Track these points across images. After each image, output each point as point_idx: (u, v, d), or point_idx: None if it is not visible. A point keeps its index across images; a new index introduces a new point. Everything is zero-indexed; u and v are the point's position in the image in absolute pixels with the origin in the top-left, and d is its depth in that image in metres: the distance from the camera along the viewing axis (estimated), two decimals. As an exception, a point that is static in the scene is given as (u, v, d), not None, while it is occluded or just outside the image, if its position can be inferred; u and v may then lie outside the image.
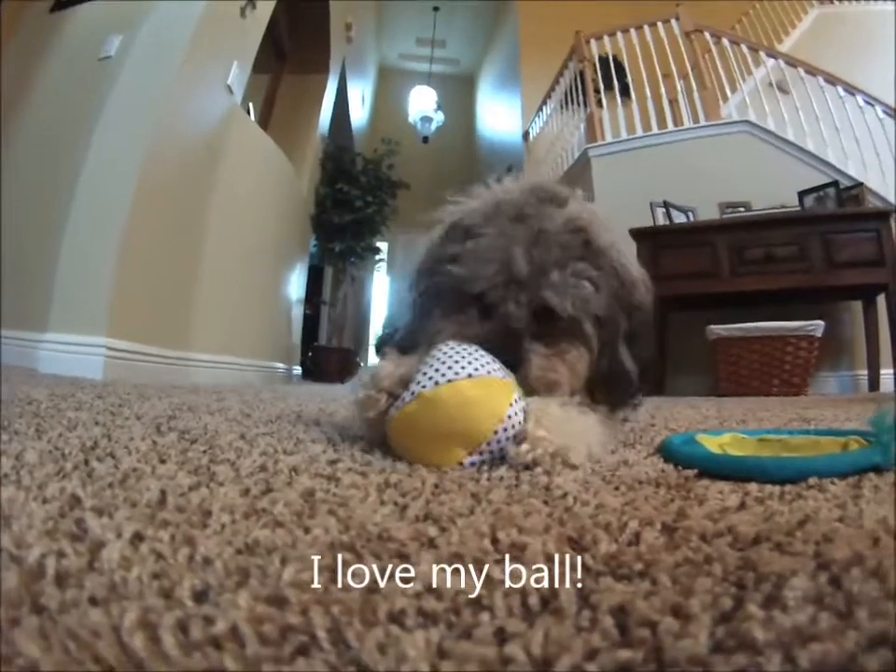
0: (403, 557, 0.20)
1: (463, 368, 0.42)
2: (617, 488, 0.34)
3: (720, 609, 0.17)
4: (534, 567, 0.19)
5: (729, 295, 2.45)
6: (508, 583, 0.17)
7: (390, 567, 0.18)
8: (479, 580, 0.17)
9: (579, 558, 0.20)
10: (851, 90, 2.85)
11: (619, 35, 3.41)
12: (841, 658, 0.14)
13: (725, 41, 3.26)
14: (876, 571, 0.19)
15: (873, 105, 2.81)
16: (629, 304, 0.53)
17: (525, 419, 0.43)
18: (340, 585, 0.17)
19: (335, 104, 4.09)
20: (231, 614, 0.14)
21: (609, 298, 0.51)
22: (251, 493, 0.29)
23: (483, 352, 0.45)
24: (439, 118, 6.04)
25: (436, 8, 5.71)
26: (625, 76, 3.43)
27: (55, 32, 2.23)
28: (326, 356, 4.09)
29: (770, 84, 3.10)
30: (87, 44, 2.10)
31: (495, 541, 0.22)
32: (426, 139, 6.02)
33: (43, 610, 0.15)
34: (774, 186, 2.74)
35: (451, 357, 0.43)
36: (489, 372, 0.42)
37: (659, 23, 3.30)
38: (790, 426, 0.77)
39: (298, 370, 3.62)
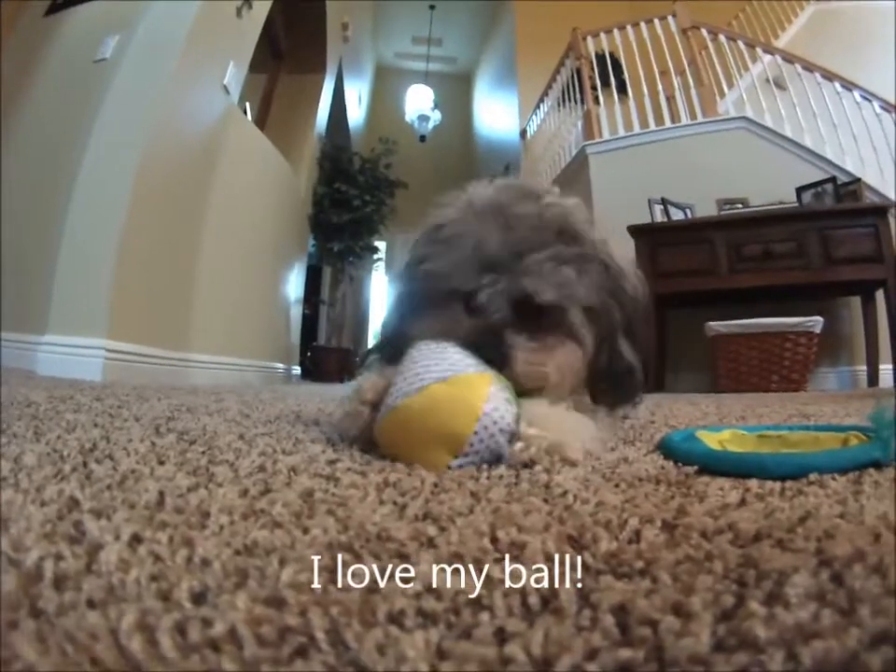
0: (402, 557, 0.20)
1: (433, 370, 0.41)
2: (617, 486, 0.34)
3: (721, 606, 0.17)
4: (534, 566, 0.19)
5: (727, 292, 2.45)
6: (508, 583, 0.17)
7: (389, 567, 0.18)
8: (478, 579, 0.17)
9: (579, 557, 0.20)
10: (848, 85, 2.85)
11: (616, 32, 3.41)
12: (844, 656, 0.14)
13: (722, 38, 3.26)
14: (878, 568, 0.19)
15: (870, 101, 2.81)
16: (620, 294, 0.52)
17: (512, 410, 0.41)
18: (339, 586, 0.17)
19: (332, 103, 4.08)
20: (230, 616, 0.14)
21: (597, 286, 0.49)
22: (250, 493, 0.29)
23: (456, 348, 0.43)
24: (436, 116, 6.03)
25: (432, 7, 5.70)
26: (622, 73, 3.42)
27: (50, 35, 2.22)
28: (325, 355, 4.08)
29: (767, 80, 3.10)
30: (82, 46, 2.10)
31: (494, 540, 0.22)
32: (423, 138, 6.01)
33: (41, 614, 0.15)
34: (771, 182, 2.74)
35: (421, 361, 0.42)
36: (462, 369, 0.41)
37: (656, 20, 3.30)
38: (789, 422, 0.77)
39: (297, 370, 3.62)
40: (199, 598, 0.16)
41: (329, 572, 0.18)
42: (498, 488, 0.32)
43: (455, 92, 6.91)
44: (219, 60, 2.23)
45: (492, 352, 0.44)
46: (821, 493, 0.32)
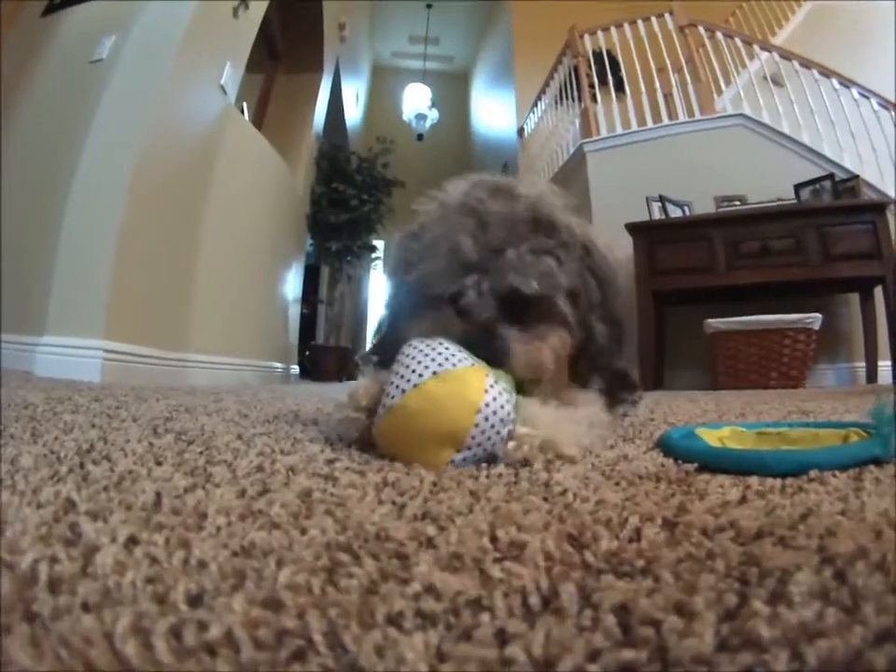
0: (401, 557, 0.20)
1: (427, 367, 0.40)
2: (617, 483, 0.34)
3: (724, 605, 0.16)
4: (534, 565, 0.19)
5: (726, 289, 2.45)
6: (508, 583, 0.17)
7: (388, 567, 0.18)
8: (478, 579, 0.17)
9: (579, 556, 0.20)
10: (846, 82, 2.85)
11: (613, 29, 3.41)
12: (848, 655, 0.14)
13: (719, 35, 3.25)
14: (881, 565, 0.18)
15: (868, 98, 2.80)
16: (600, 274, 0.52)
17: (511, 400, 0.41)
18: (337, 587, 0.17)
19: (329, 103, 4.07)
20: (226, 619, 0.14)
21: (578, 268, 0.49)
22: (247, 494, 0.29)
23: (447, 343, 0.43)
24: (433, 115, 6.03)
25: (429, 6, 5.69)
26: (620, 70, 3.42)
27: (47, 36, 2.21)
28: (323, 355, 4.08)
29: (765, 77, 3.10)
30: (79, 47, 2.09)
31: (494, 540, 0.21)
32: (420, 137, 6.01)
33: (35, 617, 0.15)
34: (769, 179, 2.73)
35: (414, 358, 0.42)
36: (455, 364, 0.41)
37: (653, 18, 3.30)
38: (788, 418, 0.77)
39: (295, 369, 3.62)
40: (195, 601, 0.15)
41: (327, 573, 0.18)
42: (498, 487, 0.32)
43: (453, 91, 6.91)
44: (216, 60, 2.22)
45: (487, 349, 0.44)
46: (822, 490, 0.32)
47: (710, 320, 2.37)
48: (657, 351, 2.56)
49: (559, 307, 0.47)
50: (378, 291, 5.96)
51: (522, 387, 0.46)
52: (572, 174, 3.37)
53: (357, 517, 0.25)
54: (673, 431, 0.54)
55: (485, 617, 0.15)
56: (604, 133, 3.23)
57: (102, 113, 1.81)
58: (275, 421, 0.68)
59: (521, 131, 4.69)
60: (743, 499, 0.30)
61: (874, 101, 2.79)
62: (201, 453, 0.41)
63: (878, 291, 2.34)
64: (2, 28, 2.23)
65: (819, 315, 2.23)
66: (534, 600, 0.16)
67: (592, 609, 0.16)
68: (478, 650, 0.13)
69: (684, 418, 0.81)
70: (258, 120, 3.23)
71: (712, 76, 3.21)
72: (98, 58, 1.99)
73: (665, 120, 3.17)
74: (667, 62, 3.27)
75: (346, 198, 3.83)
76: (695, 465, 0.40)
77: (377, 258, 4.68)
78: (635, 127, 3.19)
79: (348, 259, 4.14)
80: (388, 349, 0.51)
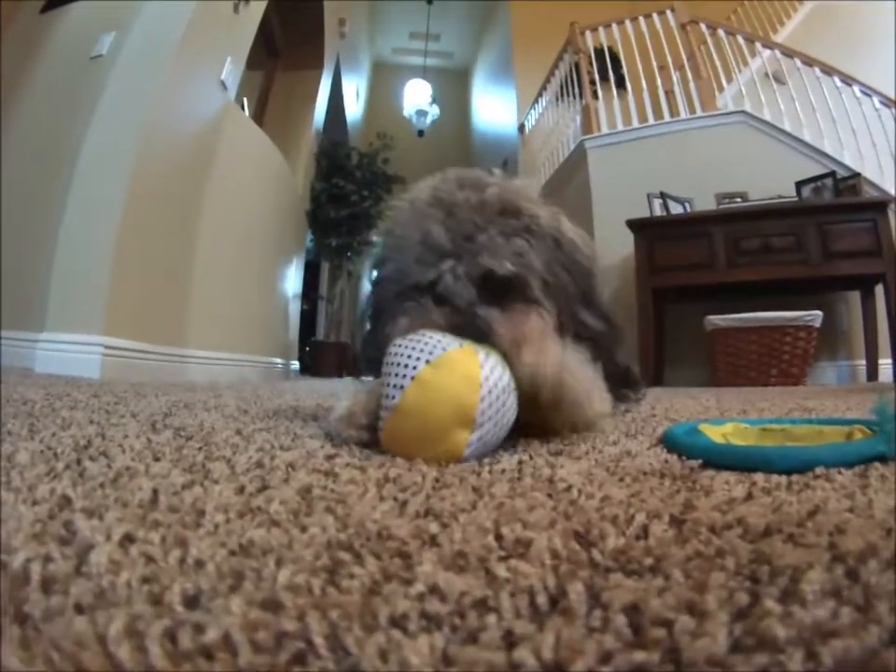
0: (404, 556, 0.19)
1: (418, 359, 0.40)
2: (621, 480, 0.34)
3: (736, 605, 0.16)
4: (540, 564, 0.19)
5: (726, 286, 2.45)
6: (514, 582, 0.17)
7: (391, 567, 0.18)
8: (483, 579, 0.17)
9: (586, 554, 0.20)
10: (847, 80, 2.84)
11: (614, 26, 3.39)
12: (863, 654, 0.14)
13: (721, 32, 3.24)
14: (892, 563, 0.18)
15: (869, 96, 2.79)
16: (572, 266, 0.52)
17: (507, 372, 0.42)
18: (338, 588, 0.16)
19: (329, 99, 4.07)
20: (224, 621, 0.13)
21: (546, 260, 0.49)
22: (246, 490, 0.28)
23: (430, 333, 0.43)
24: (434, 111, 6.01)
25: (429, 2, 5.67)
26: (621, 67, 3.41)
27: (46, 32, 2.20)
28: (323, 351, 4.08)
29: (766, 75, 3.09)
30: (78, 43, 2.08)
31: (499, 537, 0.21)
32: (421, 133, 5.99)
33: (27, 619, 0.14)
34: (770, 176, 2.73)
35: (403, 354, 0.41)
36: (445, 349, 0.41)
37: (654, 15, 3.28)
38: (790, 415, 0.77)
39: (296, 365, 3.62)
40: (192, 602, 0.15)
41: (328, 573, 0.17)
42: (501, 483, 0.32)
43: (453, 87, 6.89)
44: (216, 56, 2.21)
45: (469, 332, 0.45)
46: (828, 487, 0.32)
47: (711, 317, 2.37)
48: (657, 348, 2.56)
49: (532, 288, 0.48)
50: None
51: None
52: (573, 170, 3.36)
53: (357, 514, 0.24)
54: (676, 427, 0.53)
55: (492, 618, 0.14)
56: (605, 129, 3.22)
57: (101, 109, 1.80)
58: (275, 417, 0.68)
59: (521, 127, 4.68)
60: (749, 496, 0.30)
61: (875, 99, 2.78)
62: (199, 449, 0.41)
63: (879, 289, 2.33)
64: (1, 25, 2.22)
65: (819, 313, 2.23)
66: (541, 600, 0.15)
67: (601, 610, 0.15)
68: (485, 653, 0.13)
69: (685, 415, 0.81)
70: (258, 117, 3.22)
71: (714, 73, 3.20)
72: (98, 54, 1.99)
73: (667, 117, 3.16)
74: (669, 59, 3.26)
75: (346, 194, 3.83)
76: (699, 461, 0.40)
77: (377, 254, 4.66)
78: (636, 124, 3.17)
79: (348, 255, 4.14)
80: (375, 349, 0.52)
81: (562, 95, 3.74)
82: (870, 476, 0.35)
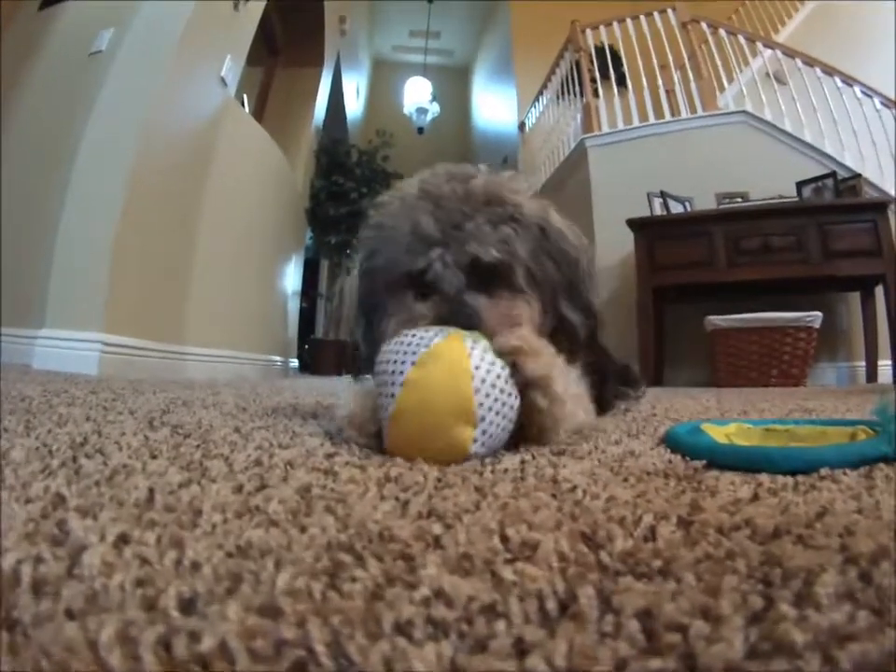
0: (407, 559, 0.19)
1: (403, 362, 0.40)
2: (626, 480, 0.33)
3: (750, 609, 0.16)
4: (548, 566, 0.18)
5: (726, 286, 2.45)
6: (522, 586, 0.16)
7: (394, 570, 0.17)
8: (490, 582, 0.16)
9: (594, 556, 0.19)
10: (849, 80, 2.83)
11: (615, 25, 3.38)
12: (881, 658, 0.13)
13: (722, 32, 3.23)
14: (904, 565, 0.18)
15: (870, 97, 2.79)
16: (559, 256, 0.53)
17: (498, 360, 0.41)
18: (339, 592, 0.16)
19: (330, 96, 4.06)
20: (220, 628, 0.13)
21: (533, 247, 0.50)
22: (245, 489, 0.28)
23: (412, 331, 0.43)
24: (434, 109, 6.00)
25: (430, 0, 5.65)
26: (622, 66, 3.40)
27: (45, 29, 2.19)
28: (323, 348, 4.06)
29: (767, 75, 3.08)
30: (77, 40, 2.07)
31: (504, 539, 0.20)
32: (421, 130, 5.98)
33: (16, 624, 0.14)
34: (771, 176, 2.72)
35: (389, 360, 0.41)
36: (428, 345, 0.40)
37: (655, 14, 3.27)
38: (791, 416, 0.77)
39: (295, 363, 3.61)
40: (187, 607, 0.14)
41: (329, 576, 0.17)
42: (504, 483, 0.31)
43: (454, 85, 6.88)
44: (216, 53, 2.20)
45: (458, 319, 0.45)
46: (834, 488, 0.32)
47: (711, 317, 2.37)
48: (657, 348, 2.55)
49: (517, 276, 0.49)
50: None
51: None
52: (573, 168, 3.35)
53: (358, 515, 0.23)
54: (678, 427, 0.53)
55: (501, 625, 0.14)
56: (605, 128, 3.21)
57: (100, 106, 1.80)
58: (274, 415, 0.67)
59: (522, 125, 4.67)
60: (755, 497, 0.30)
61: (876, 100, 2.78)
62: (197, 446, 0.40)
63: (879, 290, 2.33)
64: (1, 23, 2.20)
65: (819, 314, 2.22)
66: (551, 605, 0.15)
67: (613, 615, 0.15)
68: (495, 661, 0.12)
69: (686, 415, 0.81)
70: (258, 114, 3.21)
71: (714, 72, 3.19)
72: (97, 50, 1.98)
73: (668, 116, 3.15)
74: (670, 58, 3.25)
75: (346, 191, 3.81)
76: (703, 461, 0.39)
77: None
78: (636, 123, 3.17)
79: (348, 252, 4.12)
80: (373, 347, 0.52)
81: (562, 93, 3.73)
82: (875, 477, 0.34)
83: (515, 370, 0.42)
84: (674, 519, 0.24)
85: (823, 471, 0.35)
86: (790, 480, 0.34)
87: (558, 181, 3.60)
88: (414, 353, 0.40)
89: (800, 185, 2.58)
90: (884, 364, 2.33)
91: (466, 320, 0.45)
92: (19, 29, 2.27)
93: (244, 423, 0.57)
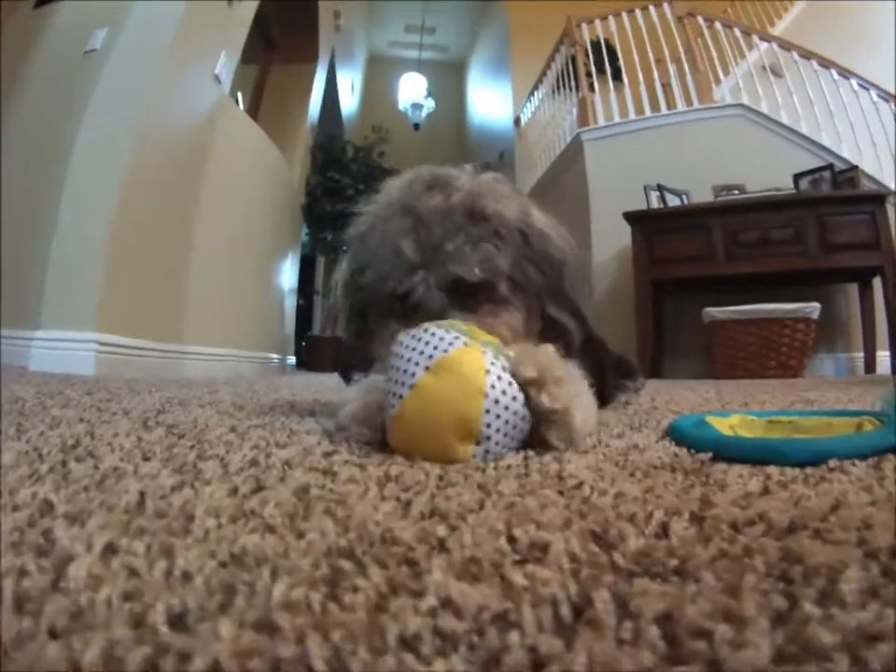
0: (411, 564, 0.18)
1: (417, 363, 0.38)
2: (632, 475, 0.32)
3: (774, 609, 0.15)
4: (559, 569, 0.17)
5: (724, 278, 2.44)
6: (534, 591, 0.15)
7: (397, 577, 0.16)
8: (500, 588, 0.15)
9: (607, 557, 0.18)
10: (845, 73, 2.82)
11: (611, 19, 3.36)
12: None
13: (718, 25, 3.21)
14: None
15: (867, 89, 2.78)
16: (542, 260, 0.52)
17: (514, 382, 0.39)
18: (340, 603, 0.15)
19: (325, 92, 4.03)
20: (212, 647, 0.12)
21: (515, 256, 0.50)
22: (240, 492, 0.27)
23: (433, 328, 0.40)
24: (429, 104, 5.98)
25: (425, -5, 5.62)
26: (618, 60, 3.38)
27: (40, 27, 2.17)
28: (320, 345, 4.05)
29: (763, 67, 3.07)
30: (72, 38, 2.05)
31: (512, 540, 0.19)
32: (417, 126, 5.95)
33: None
34: (768, 169, 2.71)
35: (403, 355, 0.39)
36: (446, 349, 0.38)
37: (651, 7, 3.25)
38: (793, 408, 0.76)
39: (292, 360, 3.59)
40: (177, 622, 0.13)
41: (329, 586, 0.16)
42: (508, 480, 0.30)
43: (449, 81, 6.85)
44: (211, 50, 2.18)
45: None
46: (845, 479, 0.32)
47: (709, 309, 2.36)
48: (655, 340, 2.55)
49: (501, 291, 0.49)
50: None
51: None
52: (569, 163, 3.34)
53: (358, 516, 0.23)
54: (682, 420, 0.53)
55: (514, 636, 0.13)
56: (601, 122, 3.20)
57: (95, 104, 1.78)
58: (271, 412, 0.66)
59: (517, 120, 4.65)
60: (766, 490, 0.29)
61: (873, 92, 2.77)
62: (192, 447, 0.39)
63: (877, 281, 2.33)
64: (1, 20, 2.18)
65: (817, 305, 2.22)
66: (565, 611, 0.14)
67: (631, 620, 0.14)
68: (511, 678, 0.11)
69: (687, 407, 0.80)
70: (253, 110, 3.19)
71: (710, 66, 3.17)
72: (91, 48, 1.96)
73: (664, 110, 3.14)
74: (666, 52, 3.23)
75: (342, 188, 3.79)
76: (709, 454, 0.38)
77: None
78: (632, 116, 3.15)
79: (344, 249, 4.10)
80: (361, 354, 0.54)
81: (558, 88, 3.71)
82: (885, 468, 0.34)
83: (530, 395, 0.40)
84: (686, 515, 0.23)
85: (832, 463, 0.34)
86: (798, 472, 0.33)
87: (554, 176, 3.59)
88: (430, 356, 0.38)
89: (797, 177, 2.57)
90: (882, 354, 2.33)
91: None
92: (14, 27, 2.25)
93: (240, 421, 0.56)
